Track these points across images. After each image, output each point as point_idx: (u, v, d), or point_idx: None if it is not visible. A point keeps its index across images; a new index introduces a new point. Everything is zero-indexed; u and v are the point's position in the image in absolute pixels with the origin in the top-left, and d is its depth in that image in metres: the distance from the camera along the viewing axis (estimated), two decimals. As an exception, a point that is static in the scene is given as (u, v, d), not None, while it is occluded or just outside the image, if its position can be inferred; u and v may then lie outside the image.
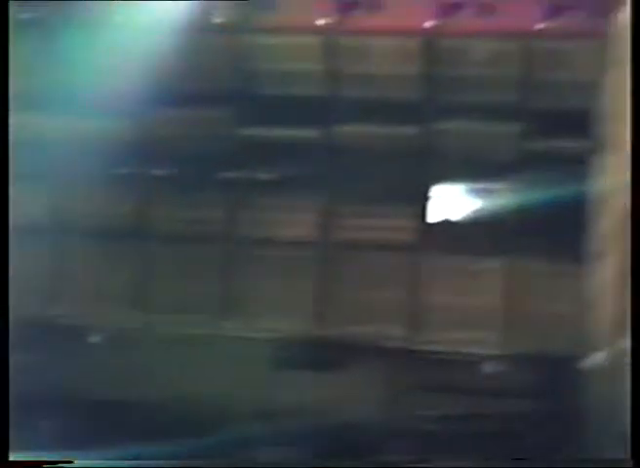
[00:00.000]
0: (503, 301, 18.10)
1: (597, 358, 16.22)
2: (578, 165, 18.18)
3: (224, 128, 18.77)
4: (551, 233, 17.49)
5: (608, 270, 16.40)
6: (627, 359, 12.54)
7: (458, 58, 18.11)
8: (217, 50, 18.29)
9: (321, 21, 17.81)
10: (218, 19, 17.89)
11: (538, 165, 18.13)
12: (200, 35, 17.59)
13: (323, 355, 17.70)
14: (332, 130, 18.60)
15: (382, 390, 17.28)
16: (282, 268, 18.43)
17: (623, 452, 12.13)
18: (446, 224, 18.45)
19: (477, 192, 19.01)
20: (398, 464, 13.36)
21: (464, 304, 18.03)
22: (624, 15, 15.71)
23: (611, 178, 16.73)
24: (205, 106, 18.52)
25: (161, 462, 10.30)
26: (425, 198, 18.68)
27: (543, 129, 18.20)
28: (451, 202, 18.82)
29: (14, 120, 12.85)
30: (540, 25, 17.52)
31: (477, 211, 18.84)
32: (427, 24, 17.72)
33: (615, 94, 16.93)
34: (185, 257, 18.54)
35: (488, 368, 17.81)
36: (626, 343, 12.98)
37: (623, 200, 14.80)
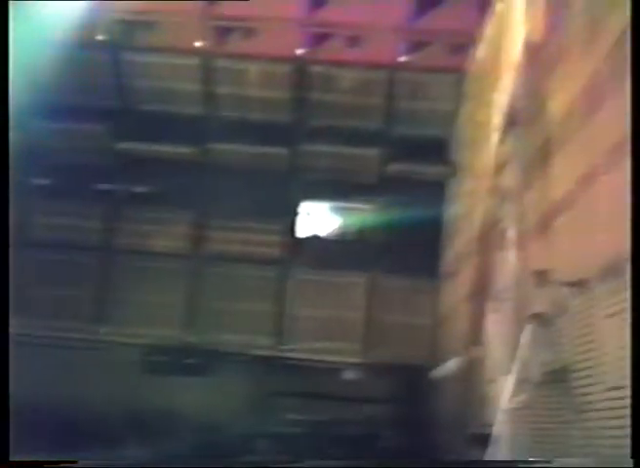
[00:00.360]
0: (364, 314, 19.35)
1: (449, 366, 16.81)
2: (435, 188, 19.72)
3: (103, 141, 19.36)
4: (409, 252, 18.57)
5: (459, 287, 17.21)
6: (478, 366, 14.11)
7: (326, 84, 19.23)
8: (97, 66, 18.78)
9: (199, 44, 18.43)
10: (99, 36, 18.26)
11: (398, 187, 19.44)
12: (82, 51, 17.83)
13: (192, 361, 18.46)
14: (206, 147, 19.48)
15: (249, 395, 18.09)
16: (155, 277, 19.10)
17: (470, 453, 12.91)
18: (312, 241, 19.53)
19: (342, 211, 20.21)
20: (264, 464, 13.63)
21: (328, 316, 19.16)
22: (481, 52, 17.14)
23: (464, 202, 17.75)
24: (84, 120, 19.06)
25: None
26: (293, 215, 19.74)
27: (403, 154, 19.58)
28: (317, 219, 19.92)
29: None
30: (403, 58, 18.59)
31: (342, 228, 20.04)
32: (298, 51, 18.59)
33: (468, 124, 18.30)
34: (61, 264, 19.03)
35: (349, 375, 18.99)
36: (477, 352, 14.39)
37: (475, 223, 15.99)
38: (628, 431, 6.85)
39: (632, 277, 3.85)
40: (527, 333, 6.43)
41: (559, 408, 6.76)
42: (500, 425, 6.36)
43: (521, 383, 6.32)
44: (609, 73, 8.58)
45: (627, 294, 7.30)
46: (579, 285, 7.97)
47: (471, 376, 14.88)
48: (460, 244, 17.73)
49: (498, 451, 11.15)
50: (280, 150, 19.62)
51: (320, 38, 18.38)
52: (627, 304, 7.28)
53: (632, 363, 3.80)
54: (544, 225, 10.49)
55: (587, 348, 7.88)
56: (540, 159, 11.19)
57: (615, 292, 7.67)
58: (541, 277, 6.60)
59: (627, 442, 6.80)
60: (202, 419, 17.45)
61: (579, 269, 8.57)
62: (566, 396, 6.68)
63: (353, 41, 18.31)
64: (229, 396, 18.03)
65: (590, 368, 7.69)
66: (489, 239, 14.50)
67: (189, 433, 16.57)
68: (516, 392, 6.33)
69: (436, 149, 19.86)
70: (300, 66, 19.13)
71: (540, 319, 6.40)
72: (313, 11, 17.19)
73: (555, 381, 6.83)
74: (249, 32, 17.95)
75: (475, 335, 14.83)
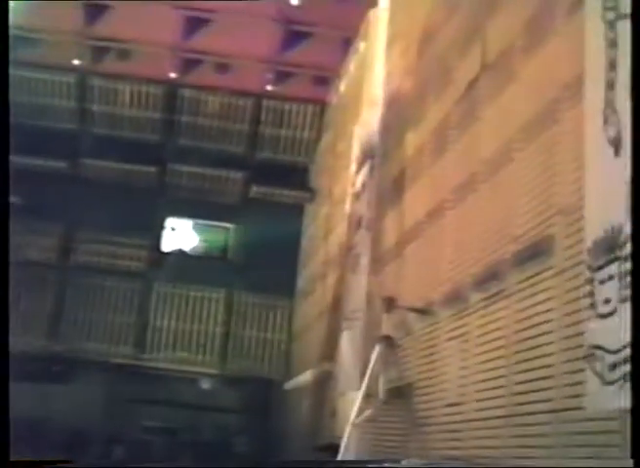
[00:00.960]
0: (223, 328, 19.53)
1: (302, 380, 16.94)
2: (293, 211, 20.27)
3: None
4: (267, 270, 18.65)
5: (313, 306, 17.49)
6: (330, 381, 14.30)
7: (194, 107, 19.50)
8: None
9: (76, 62, 18.47)
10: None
11: (259, 209, 19.72)
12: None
13: (56, 369, 18.28)
14: (78, 162, 19.36)
15: (109, 402, 17.97)
16: (23, 287, 18.30)
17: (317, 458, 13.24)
18: (175, 256, 19.62)
19: (205, 229, 20.57)
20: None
21: (189, 329, 19.27)
22: (343, 86, 17.59)
23: (321, 226, 18.08)
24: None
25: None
26: (159, 231, 19.82)
27: (265, 178, 19.98)
28: (181, 236, 20.15)
29: None
30: (269, 87, 19.08)
31: (204, 246, 20.40)
32: (170, 75, 18.85)
33: (327, 152, 18.71)
34: None
35: (205, 385, 19.17)
36: (329, 367, 14.58)
37: (331, 246, 16.45)
38: (468, 443, 7.41)
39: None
40: (375, 353, 6.84)
41: (402, 421, 7.19)
42: (349, 437, 6.71)
43: (368, 399, 6.72)
44: (457, 119, 9.15)
45: (467, 320, 7.87)
46: (424, 310, 8.43)
47: (323, 390, 15.09)
48: (315, 265, 18.00)
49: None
50: (149, 168, 19.62)
51: (191, 63, 18.59)
52: (467, 328, 7.84)
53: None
54: (395, 253, 10.98)
55: (430, 368, 8.39)
56: (393, 190, 11.67)
57: (456, 318, 8.21)
58: (389, 303, 7.03)
59: (464, 453, 7.36)
60: (63, 424, 17.28)
61: (424, 296, 9.09)
62: (409, 411, 7.13)
63: (223, 68, 18.60)
64: (91, 402, 17.87)
65: (432, 386, 8.19)
66: (343, 262, 14.76)
67: (50, 438, 16.38)
68: (363, 407, 6.72)
69: (296, 175, 20.36)
70: (171, 89, 19.36)
71: (387, 341, 6.81)
72: (186, 37, 17.31)
73: (399, 397, 7.26)
74: (124, 54, 17.98)
75: (328, 351, 15.09)
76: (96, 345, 18.78)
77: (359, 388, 11.74)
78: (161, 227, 19.97)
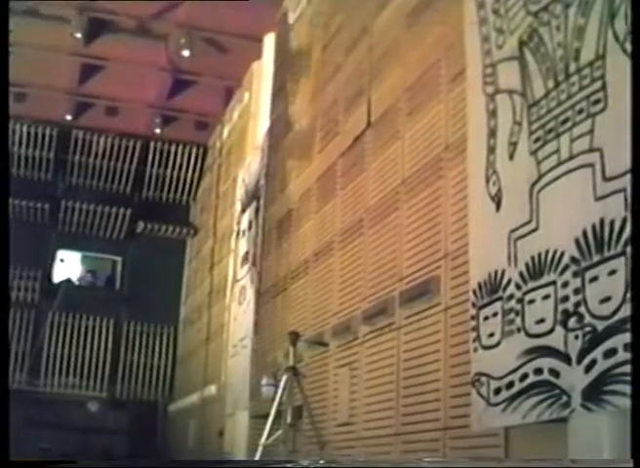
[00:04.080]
0: (110, 354, 19.39)
1: (187, 402, 17.23)
2: (177, 246, 20.44)
3: None
4: (152, 300, 18.78)
5: (197, 333, 17.63)
6: (215, 403, 14.51)
7: (85, 148, 19.38)
8: None
9: None
10: None
11: (144, 243, 19.87)
12: None
13: None
14: None
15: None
16: None
17: None
18: (66, 287, 19.36)
19: (94, 261, 20.52)
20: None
21: (79, 355, 18.98)
22: (226, 132, 17.93)
23: (205, 260, 18.22)
24: None
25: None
26: (50, 263, 19.57)
27: (150, 214, 20.07)
28: (71, 268, 20.06)
29: None
30: (155, 130, 19.09)
31: (93, 277, 20.32)
32: (63, 117, 18.71)
33: (209, 192, 19.02)
34: None
35: (93, 408, 18.82)
36: (214, 390, 14.92)
37: (216, 278, 16.67)
38: (360, 458, 7.76)
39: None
40: (283, 381, 7.14)
41: (305, 442, 7.50)
42: (257, 457, 6.98)
43: (278, 422, 7.00)
44: (343, 169, 9.57)
45: (357, 349, 8.25)
46: (324, 343, 8.77)
47: (208, 411, 15.27)
48: (200, 295, 18.14)
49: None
50: (41, 204, 19.40)
51: (83, 106, 18.60)
52: (356, 357, 8.22)
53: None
54: (282, 287, 11.32)
55: (323, 391, 8.73)
56: (279, 230, 12.03)
57: (345, 348, 8.58)
58: (294, 337, 7.35)
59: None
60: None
61: (314, 328, 9.44)
62: (310, 431, 7.44)
63: (113, 111, 18.75)
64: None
65: (326, 407, 8.54)
66: (228, 294, 15.02)
67: None
68: (273, 430, 6.99)
69: (179, 212, 20.56)
70: (64, 130, 19.21)
71: (293, 370, 7.12)
72: (80, 81, 17.31)
73: (300, 418, 7.57)
74: (20, 96, 17.73)
75: (212, 375, 15.32)
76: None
77: (247, 409, 12.16)
78: (53, 260, 19.71)
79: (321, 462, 5.04)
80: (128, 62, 16.54)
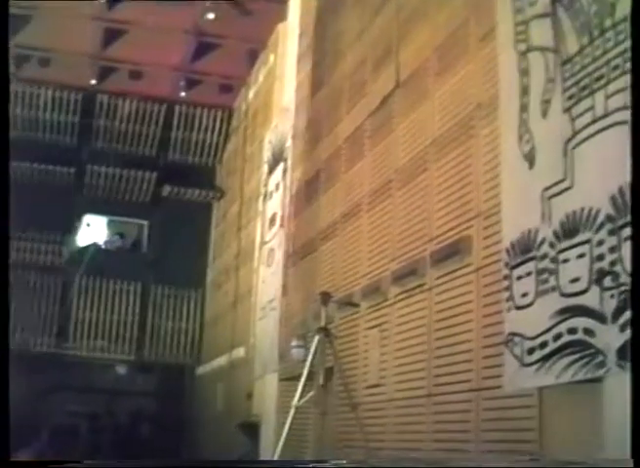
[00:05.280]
0: (138, 318, 19.50)
1: (216, 365, 17.26)
2: (203, 209, 20.53)
3: None
4: (178, 264, 18.77)
5: (224, 296, 17.73)
6: (244, 365, 14.53)
7: (110, 113, 19.35)
8: None
9: None
10: None
11: (170, 207, 19.92)
12: None
13: None
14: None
15: (32, 390, 17.23)
16: None
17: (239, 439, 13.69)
18: (93, 251, 19.38)
19: (119, 225, 20.56)
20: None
21: (106, 319, 19.14)
22: (252, 94, 17.83)
23: (232, 222, 18.23)
24: None
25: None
26: (77, 227, 19.63)
27: (175, 177, 20.09)
28: (97, 232, 20.15)
29: None
30: (179, 93, 19.09)
31: (120, 240, 20.39)
32: (88, 82, 18.66)
33: (235, 155, 18.98)
34: None
35: (121, 371, 19.18)
36: (243, 353, 14.96)
37: (243, 241, 16.69)
38: (387, 421, 7.81)
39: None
40: (315, 342, 7.16)
41: (336, 404, 7.56)
42: (287, 420, 7.01)
43: (310, 384, 7.03)
44: (371, 130, 9.53)
45: (387, 311, 8.27)
46: (355, 304, 8.79)
47: (237, 374, 15.34)
48: (227, 258, 18.18)
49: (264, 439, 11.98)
50: (67, 169, 19.49)
51: (107, 71, 18.55)
52: (386, 318, 8.24)
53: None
54: (310, 249, 11.33)
55: (354, 353, 8.77)
56: (307, 191, 12.02)
57: (374, 309, 8.60)
58: (325, 297, 7.35)
59: (387, 430, 7.76)
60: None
61: (343, 289, 9.46)
62: (342, 392, 7.48)
63: (137, 75, 18.59)
64: (15, 389, 17.54)
65: (356, 369, 8.58)
66: (256, 256, 15.03)
67: None
68: (306, 391, 7.02)
69: (204, 175, 20.54)
70: (89, 95, 19.19)
71: (325, 331, 7.14)
72: (103, 46, 17.31)
73: (330, 380, 7.60)
74: (44, 61, 17.85)
75: (240, 338, 15.38)
76: (18, 336, 18.21)
77: (276, 371, 12.23)
78: (79, 224, 19.78)
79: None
80: (152, 26, 16.48)
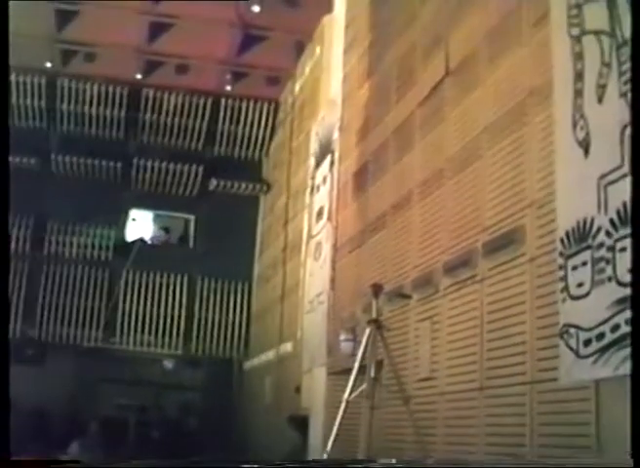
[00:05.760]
0: (185, 312, 19.65)
1: (264, 359, 17.24)
2: (250, 202, 20.53)
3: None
4: (226, 257, 18.88)
5: (272, 290, 17.73)
6: (292, 359, 14.53)
7: (156, 106, 19.55)
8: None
9: (47, 65, 18.46)
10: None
11: (217, 200, 19.98)
12: None
13: (31, 352, 18.18)
14: (48, 159, 19.30)
15: (82, 382, 17.93)
16: None
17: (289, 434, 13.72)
18: (140, 245, 19.58)
19: (167, 219, 20.71)
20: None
21: (153, 313, 19.29)
22: (298, 87, 17.82)
23: (279, 216, 18.26)
24: None
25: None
26: (124, 222, 19.89)
27: (222, 171, 20.17)
28: (145, 226, 20.30)
29: None
30: (225, 86, 19.20)
31: (167, 234, 20.55)
32: (133, 76, 18.85)
33: (282, 148, 18.96)
34: None
35: (169, 365, 19.24)
36: (291, 347, 14.95)
37: (290, 235, 16.69)
38: (438, 414, 7.74)
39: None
40: (366, 335, 7.09)
41: (386, 397, 7.48)
42: (338, 414, 6.93)
43: (361, 377, 6.97)
44: (421, 119, 9.43)
45: (438, 302, 8.19)
46: (407, 295, 8.71)
47: (285, 368, 15.34)
48: (274, 252, 18.19)
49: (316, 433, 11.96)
50: (114, 163, 19.62)
51: (154, 65, 18.67)
52: (438, 310, 8.16)
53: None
54: (360, 241, 11.25)
55: (404, 346, 8.70)
56: (355, 184, 11.95)
57: (425, 301, 8.52)
58: (377, 289, 7.28)
59: (438, 424, 7.69)
60: (38, 404, 17.18)
61: (394, 281, 9.38)
62: (393, 386, 7.40)
63: (183, 69, 18.73)
64: (64, 383, 17.87)
65: (406, 362, 8.50)
66: (305, 249, 15.01)
67: (26, 416, 15.96)
68: (357, 385, 6.96)
69: (251, 169, 20.59)
70: (135, 89, 19.36)
71: (376, 323, 7.07)
72: (150, 40, 17.39)
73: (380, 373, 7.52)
74: (90, 56, 18.06)
75: (288, 332, 15.39)
76: (67, 329, 18.70)
77: (324, 365, 12.20)
78: (126, 218, 20.01)
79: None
80: (197, 19, 16.55)
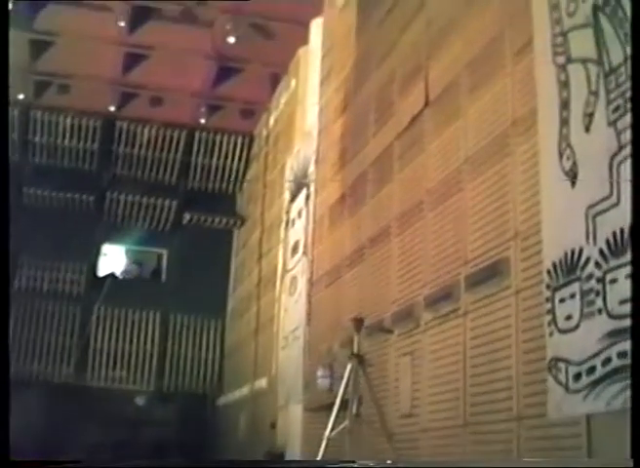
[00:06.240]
0: (158, 347, 19.38)
1: (237, 395, 17.05)
2: (223, 237, 20.32)
3: None
4: (199, 292, 18.53)
5: (246, 325, 17.52)
6: (266, 395, 14.32)
7: (130, 139, 19.31)
8: None
9: (20, 96, 17.98)
10: None
11: (190, 234, 19.70)
12: None
13: None
14: (20, 191, 18.87)
15: (53, 419, 17.40)
16: None
17: None
18: (112, 280, 19.28)
19: (140, 253, 20.49)
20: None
21: (126, 349, 18.96)
22: (273, 120, 17.73)
23: (253, 250, 18.07)
24: None
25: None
26: (96, 256, 19.59)
27: (196, 205, 19.92)
28: (118, 260, 20.06)
29: None
30: (200, 119, 18.98)
31: (140, 269, 20.30)
32: (108, 108, 18.63)
33: (256, 181, 18.78)
34: None
35: (141, 401, 18.90)
36: (265, 383, 14.73)
37: (264, 269, 16.47)
38: (421, 452, 7.54)
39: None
40: (348, 370, 6.91)
41: (368, 434, 7.27)
42: (320, 451, 6.73)
43: (342, 413, 6.78)
44: (400, 151, 9.33)
45: (419, 337, 8.01)
46: (389, 330, 8.54)
47: (260, 404, 15.10)
48: (248, 287, 17.99)
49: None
50: (86, 197, 19.38)
51: (128, 97, 18.49)
52: (419, 345, 7.99)
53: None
54: (336, 276, 11.09)
55: (384, 381, 8.51)
56: (331, 217, 11.82)
57: (405, 336, 8.35)
58: (358, 323, 7.11)
59: (418, 460, 7.48)
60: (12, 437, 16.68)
61: (372, 316, 9.20)
62: (375, 423, 7.20)
63: (158, 101, 18.57)
64: (36, 420, 17.38)
65: (387, 398, 8.31)
66: (278, 284, 14.83)
67: None
68: (338, 421, 6.77)
69: (225, 202, 20.40)
70: (108, 121, 19.16)
71: (358, 358, 6.90)
72: (124, 71, 17.23)
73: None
74: (62, 88, 17.82)
75: (263, 368, 15.14)
76: (39, 366, 18.35)
77: (300, 401, 11.98)
78: (98, 253, 19.72)
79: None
80: (173, 51, 16.44)
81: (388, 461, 6.49)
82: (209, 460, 15.51)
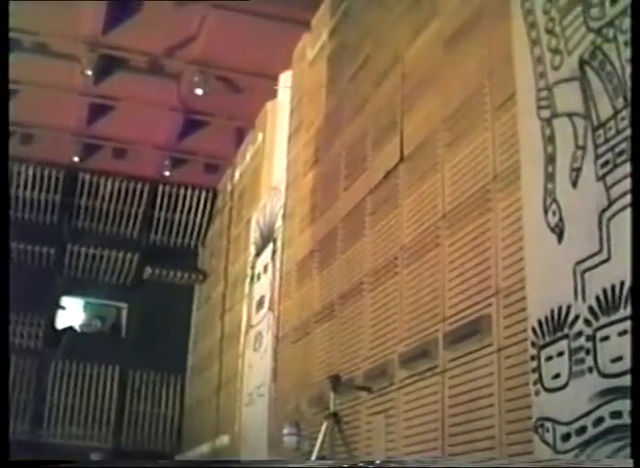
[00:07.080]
0: (116, 403, 18.74)
1: (198, 452, 16.49)
2: (185, 292, 19.98)
3: None
4: (159, 348, 18.15)
5: (207, 382, 17.14)
6: (228, 453, 13.88)
7: (92, 191, 18.92)
8: None
9: None
10: None
11: (151, 289, 19.24)
12: None
13: None
14: None
15: None
16: None
17: None
18: (70, 334, 18.76)
19: (99, 307, 20.07)
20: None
21: (83, 404, 18.34)
22: (238, 174, 17.54)
23: (215, 306, 17.72)
24: None
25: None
26: (54, 309, 19.00)
27: (158, 259, 19.54)
28: (76, 315, 19.55)
29: None
30: (164, 173, 18.64)
31: (98, 324, 19.85)
32: (70, 159, 18.10)
33: (219, 236, 18.59)
34: None
35: (96, 458, 18.29)
36: (223, 440, 14.45)
37: (227, 325, 16.18)
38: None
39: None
40: (323, 429, 6.69)
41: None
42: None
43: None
44: (373, 206, 9.21)
45: (393, 395, 7.81)
46: (368, 388, 8.30)
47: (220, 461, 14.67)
48: (211, 342, 17.64)
49: None
50: (47, 249, 19.01)
51: (91, 148, 18.17)
52: (392, 404, 7.78)
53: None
54: (303, 332, 10.88)
55: (353, 441, 8.26)
56: (299, 273, 11.64)
57: (378, 394, 8.13)
58: (335, 381, 6.91)
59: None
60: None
61: (342, 374, 8.96)
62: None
63: (121, 154, 18.35)
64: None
65: (359, 457, 8.05)
66: (242, 340, 14.56)
67: None
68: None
69: (187, 257, 20.08)
70: (71, 173, 18.83)
71: (334, 417, 6.68)
72: (88, 122, 17.01)
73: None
74: (26, 138, 17.49)
75: (225, 425, 14.80)
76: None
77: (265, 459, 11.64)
78: (57, 306, 19.25)
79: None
80: (138, 102, 16.21)
81: None
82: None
